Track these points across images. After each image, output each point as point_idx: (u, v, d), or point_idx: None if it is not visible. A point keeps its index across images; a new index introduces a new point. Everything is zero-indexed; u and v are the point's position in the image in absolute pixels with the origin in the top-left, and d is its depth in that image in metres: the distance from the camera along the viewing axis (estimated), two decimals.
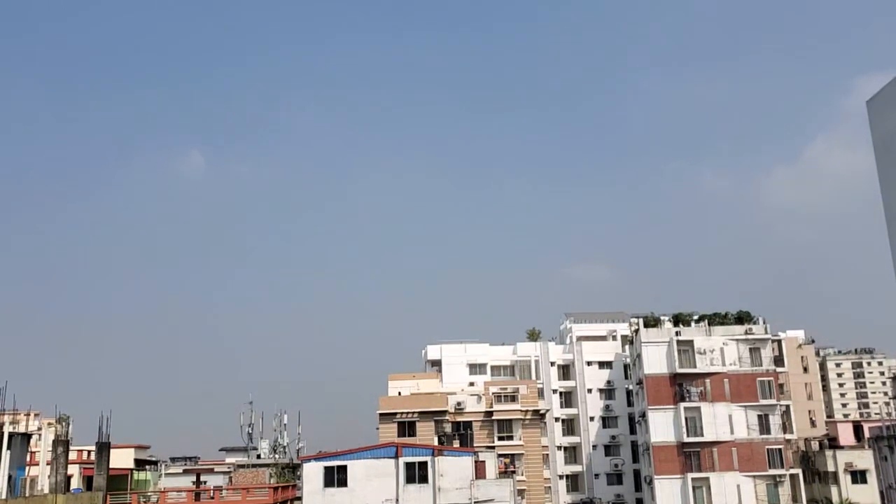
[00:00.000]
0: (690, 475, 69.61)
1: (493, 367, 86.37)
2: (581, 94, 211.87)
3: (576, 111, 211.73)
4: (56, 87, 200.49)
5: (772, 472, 69.61)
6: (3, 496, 39.04)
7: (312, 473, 49.75)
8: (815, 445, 73.69)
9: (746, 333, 73.04)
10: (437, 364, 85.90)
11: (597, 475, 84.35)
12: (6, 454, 40.56)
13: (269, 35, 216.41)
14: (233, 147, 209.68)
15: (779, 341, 76.26)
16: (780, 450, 70.21)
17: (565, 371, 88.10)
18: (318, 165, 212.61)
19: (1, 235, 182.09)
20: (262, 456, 67.50)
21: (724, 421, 70.52)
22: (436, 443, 62.75)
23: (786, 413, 72.27)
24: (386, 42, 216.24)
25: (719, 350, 72.32)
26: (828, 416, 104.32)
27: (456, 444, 64.25)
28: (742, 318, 74.40)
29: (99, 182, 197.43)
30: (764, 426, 70.72)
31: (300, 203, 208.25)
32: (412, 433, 65.78)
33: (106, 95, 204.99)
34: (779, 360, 74.66)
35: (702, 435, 70.25)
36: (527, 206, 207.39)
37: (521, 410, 69.07)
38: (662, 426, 71.35)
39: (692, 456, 70.48)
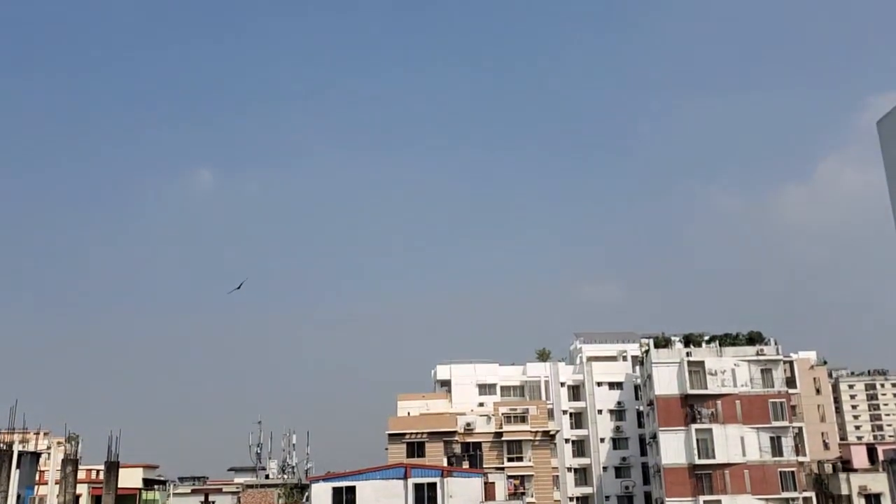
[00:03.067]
0: (702, 497, 68.88)
1: (502, 388, 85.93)
2: (590, 115, 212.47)
3: (584, 131, 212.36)
4: (65, 103, 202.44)
5: (784, 494, 68.81)
6: None
7: (321, 494, 49.54)
8: (828, 468, 72.79)
9: (758, 354, 72.55)
10: (446, 384, 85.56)
11: (607, 497, 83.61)
12: (15, 473, 40.58)
13: (281, 55, 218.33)
14: (241, 165, 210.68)
15: (791, 362, 75.70)
16: (792, 472, 69.44)
17: (575, 392, 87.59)
18: (328, 185, 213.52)
19: (12, 255, 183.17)
20: (271, 476, 67.37)
21: (736, 443, 69.87)
22: (445, 464, 62.39)
23: (798, 435, 71.57)
24: (396, 68, 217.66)
25: (730, 371, 71.82)
26: (841, 439, 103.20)
27: (465, 465, 63.87)
28: (753, 339, 73.94)
29: (108, 200, 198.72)
30: (776, 448, 70.03)
31: (308, 221, 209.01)
32: (421, 454, 65.40)
33: (117, 111, 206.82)
34: (791, 382, 74.05)
35: (713, 457, 69.59)
36: (536, 225, 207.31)
37: (530, 431, 68.63)
38: (673, 448, 70.75)
39: (704, 478, 69.78)
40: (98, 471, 57.57)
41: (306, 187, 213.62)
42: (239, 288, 44.05)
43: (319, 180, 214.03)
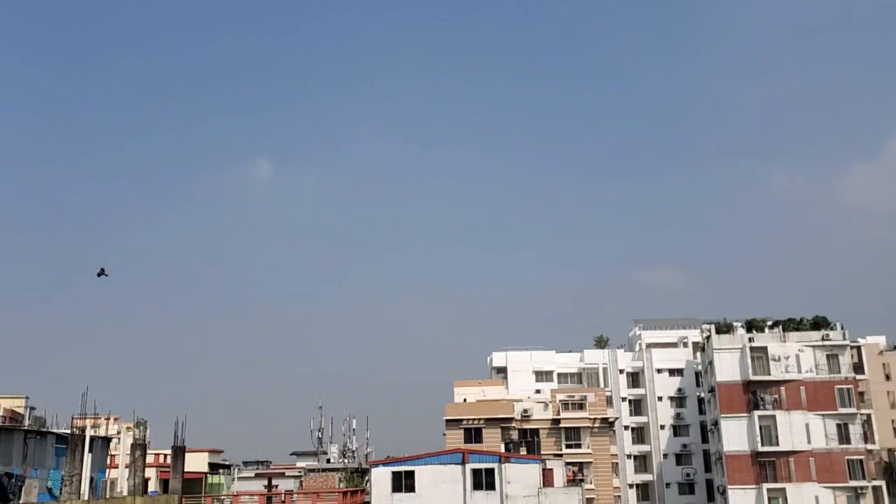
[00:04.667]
0: (765, 485, 67.70)
1: (559, 375, 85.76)
2: (650, 95, 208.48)
3: (643, 113, 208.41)
4: (130, 100, 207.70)
5: (852, 483, 67.15)
6: (86, 497, 40.50)
7: (381, 478, 50.21)
8: None
9: (823, 339, 70.82)
10: (502, 371, 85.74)
11: (668, 484, 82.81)
12: (88, 457, 42.06)
13: (339, 47, 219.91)
14: (299, 156, 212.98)
15: (858, 347, 73.58)
16: (861, 460, 67.69)
17: (634, 379, 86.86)
18: (385, 177, 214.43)
19: (82, 246, 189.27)
20: (332, 460, 68.44)
21: (801, 430, 68.41)
22: (502, 450, 62.53)
23: (867, 422, 69.67)
24: (454, 64, 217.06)
25: (794, 357, 70.30)
26: None
27: (523, 451, 63.93)
28: (818, 324, 72.23)
29: (171, 190, 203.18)
30: (843, 436, 68.34)
31: (365, 212, 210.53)
32: (478, 440, 65.70)
33: (175, 101, 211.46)
34: (858, 367, 72.03)
35: (777, 444, 68.31)
36: (593, 210, 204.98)
37: (589, 418, 68.26)
38: (736, 435, 69.68)
39: (767, 465, 68.56)
40: (165, 455, 59.25)
41: (366, 178, 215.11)
42: (103, 274, 45.60)
43: (378, 172, 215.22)
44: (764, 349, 70.84)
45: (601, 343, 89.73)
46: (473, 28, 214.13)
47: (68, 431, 42.23)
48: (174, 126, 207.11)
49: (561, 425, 68.16)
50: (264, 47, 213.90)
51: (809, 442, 68.20)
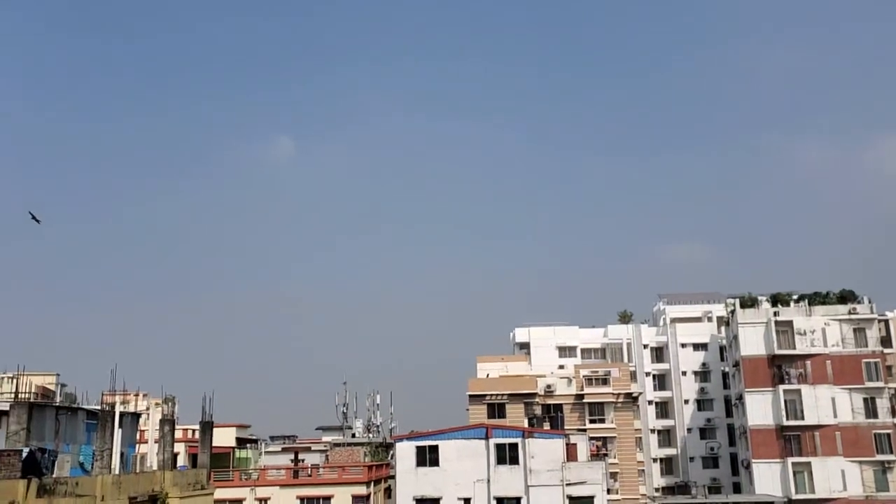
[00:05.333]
0: (791, 459, 67.47)
1: (583, 350, 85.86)
2: (670, 70, 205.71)
3: (665, 83, 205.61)
4: (151, 78, 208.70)
5: (879, 457, 66.75)
6: (117, 471, 41.30)
7: (405, 453, 50.76)
8: None
9: (850, 313, 70.09)
10: (525, 347, 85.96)
11: (692, 458, 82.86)
12: (118, 433, 42.72)
13: (362, 24, 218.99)
14: (320, 133, 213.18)
15: (886, 321, 72.80)
16: (888, 434, 67.22)
17: (658, 353, 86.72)
18: (409, 153, 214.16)
19: (107, 223, 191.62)
20: (357, 435, 69.35)
21: (827, 404, 67.98)
22: (526, 425, 62.86)
23: (894, 396, 69.09)
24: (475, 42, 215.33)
25: (820, 330, 69.70)
26: None
27: (546, 426, 64.24)
28: (845, 298, 71.44)
29: (197, 166, 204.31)
30: (870, 410, 67.86)
31: (387, 188, 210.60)
32: (502, 415, 66.09)
33: (196, 78, 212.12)
34: (886, 341, 71.31)
35: (802, 418, 67.95)
36: (616, 184, 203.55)
37: (612, 393, 68.37)
38: (760, 409, 69.40)
39: (792, 440, 68.29)
40: (194, 430, 60.04)
41: (390, 155, 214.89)
42: (35, 219, 47.26)
43: (401, 149, 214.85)
44: (789, 323, 70.30)
45: (625, 318, 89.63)
46: (494, 9, 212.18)
47: (98, 408, 42.92)
48: (197, 100, 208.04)
49: (585, 400, 68.32)
50: (286, 25, 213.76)
51: (835, 416, 67.76)
